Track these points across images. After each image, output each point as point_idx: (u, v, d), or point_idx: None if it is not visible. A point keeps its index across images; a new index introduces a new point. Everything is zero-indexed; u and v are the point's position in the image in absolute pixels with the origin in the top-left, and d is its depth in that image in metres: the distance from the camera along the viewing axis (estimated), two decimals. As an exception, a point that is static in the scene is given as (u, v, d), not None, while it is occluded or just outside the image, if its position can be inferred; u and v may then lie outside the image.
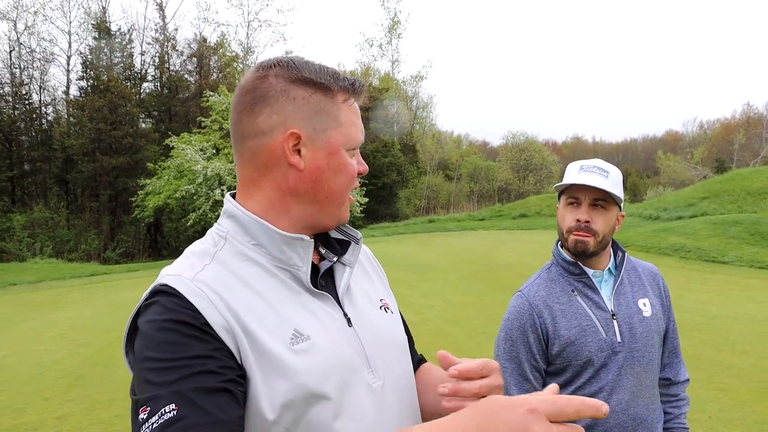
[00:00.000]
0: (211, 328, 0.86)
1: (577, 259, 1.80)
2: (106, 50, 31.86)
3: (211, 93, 23.48)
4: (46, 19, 32.34)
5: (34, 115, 31.38)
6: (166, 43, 34.46)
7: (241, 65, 35.44)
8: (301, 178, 1.00)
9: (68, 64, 32.45)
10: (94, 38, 32.07)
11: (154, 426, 0.77)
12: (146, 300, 0.90)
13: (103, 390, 5.67)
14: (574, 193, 1.77)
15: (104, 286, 13.68)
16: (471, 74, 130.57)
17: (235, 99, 1.04)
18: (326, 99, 1.01)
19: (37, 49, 31.96)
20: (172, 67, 34.79)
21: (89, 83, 31.32)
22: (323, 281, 1.05)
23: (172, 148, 22.52)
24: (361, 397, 0.96)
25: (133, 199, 24.28)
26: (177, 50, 34.93)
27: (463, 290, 10.69)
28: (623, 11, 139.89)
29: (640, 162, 65.98)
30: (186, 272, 0.92)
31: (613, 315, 1.76)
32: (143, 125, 31.90)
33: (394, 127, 42.08)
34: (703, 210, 20.09)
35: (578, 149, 70.95)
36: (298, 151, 0.99)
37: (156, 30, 35.04)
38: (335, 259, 1.09)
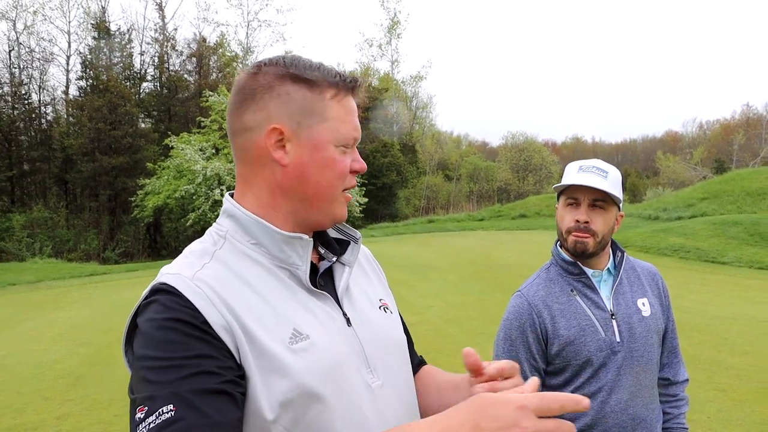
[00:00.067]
0: (210, 327, 0.86)
1: (577, 259, 1.80)
2: (105, 50, 31.85)
3: (211, 93, 23.47)
4: (45, 19, 32.37)
5: (34, 115, 31.38)
6: (165, 43, 34.46)
7: (240, 65, 35.39)
8: (286, 174, 1.00)
9: (67, 63, 32.50)
10: (94, 38, 32.07)
11: (151, 426, 0.77)
12: (146, 299, 0.90)
13: (102, 390, 5.67)
14: (573, 194, 1.77)
15: (103, 286, 13.68)
16: (470, 74, 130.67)
17: (229, 98, 1.06)
18: (312, 94, 1.00)
19: (37, 49, 32.01)
20: (171, 67, 34.79)
21: (88, 83, 31.31)
22: (322, 281, 1.05)
23: (172, 148, 22.52)
24: (360, 397, 0.96)
25: (133, 199, 24.28)
26: (176, 50, 34.96)
27: (463, 290, 10.69)
28: (623, 11, 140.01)
29: (639, 162, 66.00)
30: (185, 271, 0.92)
31: (612, 315, 1.76)
32: (143, 125, 31.91)
33: (394, 127, 42.09)
34: (703, 210, 20.11)
35: (578, 149, 70.96)
36: (283, 147, 1.00)
37: (155, 30, 35.08)
38: (334, 259, 1.09)
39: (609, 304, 1.78)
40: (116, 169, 27.48)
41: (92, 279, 15.43)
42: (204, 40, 35.31)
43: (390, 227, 26.05)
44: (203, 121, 23.33)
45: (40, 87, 31.90)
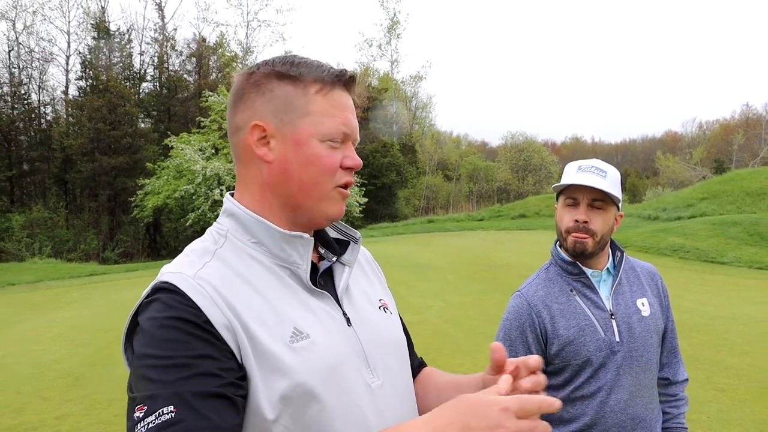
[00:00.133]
0: (212, 326, 0.86)
1: (576, 259, 1.80)
2: (105, 50, 31.84)
3: (210, 93, 23.46)
4: (45, 19, 32.41)
5: (33, 115, 31.36)
6: (165, 43, 34.45)
7: (240, 65, 35.37)
8: (271, 171, 1.00)
9: (67, 63, 32.49)
10: (93, 38, 32.07)
11: (150, 426, 0.76)
12: (147, 297, 0.90)
13: (102, 390, 5.67)
14: (573, 194, 1.77)
15: (103, 286, 13.68)
16: (470, 74, 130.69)
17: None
18: (296, 90, 1.00)
19: (36, 49, 32.01)
20: (171, 67, 34.79)
21: (88, 83, 31.31)
22: (322, 280, 1.05)
23: (171, 148, 22.52)
24: (360, 397, 0.96)
25: (132, 199, 24.27)
26: (176, 50, 34.97)
27: (462, 290, 10.70)
28: (623, 11, 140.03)
29: (639, 162, 66.02)
30: (187, 270, 0.92)
31: (612, 315, 1.76)
32: (142, 125, 31.91)
33: (394, 127, 42.08)
34: (702, 210, 20.12)
35: (577, 150, 70.95)
36: (268, 144, 1.00)
37: (155, 30, 35.08)
38: (334, 258, 1.09)
39: (608, 304, 1.78)
40: (116, 169, 27.48)
41: (92, 279, 15.44)
42: (204, 40, 35.32)
43: (390, 227, 26.07)
44: (203, 121, 23.33)
45: (39, 87, 31.93)
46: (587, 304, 1.77)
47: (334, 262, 1.09)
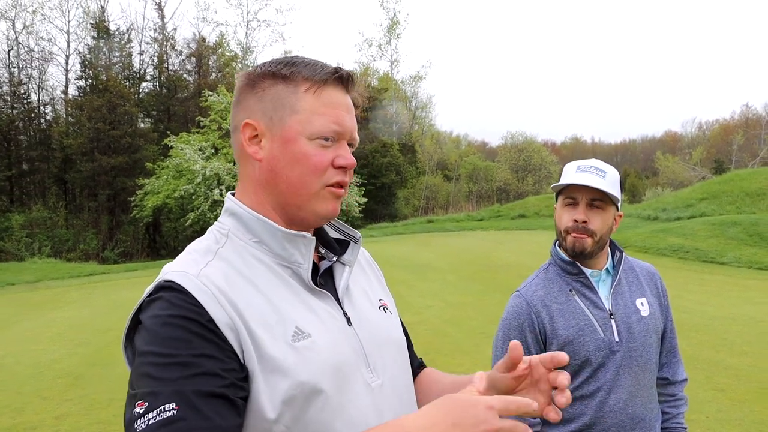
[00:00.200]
0: (215, 325, 0.86)
1: (575, 259, 1.80)
2: (104, 50, 31.82)
3: (210, 93, 23.45)
4: (44, 19, 32.41)
5: (33, 115, 31.35)
6: (164, 43, 34.45)
7: (240, 65, 35.39)
8: (262, 169, 1.01)
9: (67, 63, 32.46)
10: (93, 38, 32.04)
11: (150, 422, 0.76)
12: (150, 295, 0.90)
13: (101, 389, 5.67)
14: (572, 193, 1.77)
15: (103, 286, 13.67)
16: (470, 74, 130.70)
17: None
18: (286, 89, 1.00)
19: (36, 49, 31.97)
20: (170, 67, 34.78)
21: (88, 83, 31.29)
22: (323, 280, 1.05)
23: (171, 147, 22.51)
24: (360, 396, 0.97)
25: (132, 198, 24.26)
26: (176, 50, 34.95)
27: (462, 290, 10.70)
28: (622, 12, 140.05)
29: (638, 162, 66.04)
30: (190, 268, 0.92)
31: (611, 314, 1.76)
32: (142, 125, 31.89)
33: (393, 127, 42.10)
34: (702, 211, 20.13)
35: (577, 150, 70.95)
36: (259, 143, 1.01)
37: (155, 29, 35.07)
38: (335, 258, 1.10)
39: (608, 304, 1.78)
40: (115, 169, 27.47)
41: (91, 279, 15.43)
42: (203, 39, 35.30)
43: (389, 227, 26.07)
44: (202, 121, 23.32)
45: (39, 86, 31.89)
46: (586, 303, 1.77)
47: (334, 262, 1.09)
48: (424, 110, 48.26)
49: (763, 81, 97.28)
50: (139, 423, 0.76)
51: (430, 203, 43.58)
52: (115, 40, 32.58)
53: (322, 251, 1.11)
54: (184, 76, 34.87)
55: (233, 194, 1.07)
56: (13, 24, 30.66)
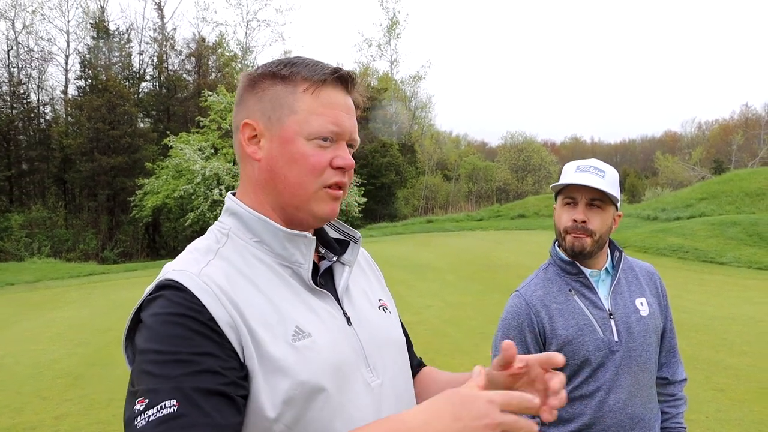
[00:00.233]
0: (216, 324, 0.86)
1: (575, 259, 1.80)
2: (104, 50, 31.81)
3: (210, 93, 23.44)
4: (44, 19, 32.46)
5: (32, 115, 31.33)
6: (164, 43, 34.44)
7: (239, 65, 35.39)
8: (261, 169, 1.02)
9: (66, 63, 32.44)
10: (93, 38, 32.02)
11: (151, 419, 0.76)
12: (151, 294, 0.90)
13: (101, 389, 5.67)
14: (571, 193, 1.78)
15: (102, 286, 13.67)
16: (470, 74, 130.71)
17: None
18: (285, 89, 1.00)
19: (35, 49, 31.94)
20: (170, 67, 34.76)
21: (87, 83, 31.27)
22: (323, 280, 1.05)
23: (171, 147, 22.50)
24: (360, 396, 0.97)
25: (132, 198, 24.26)
26: (175, 50, 34.93)
27: (461, 290, 10.70)
28: (622, 12, 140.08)
29: (638, 162, 66.05)
30: (192, 267, 0.92)
31: (611, 314, 1.76)
32: (141, 125, 31.90)
33: (393, 127, 42.10)
34: (701, 211, 20.14)
35: (577, 150, 70.97)
36: (258, 143, 1.02)
37: (154, 29, 35.04)
38: (335, 258, 1.10)
39: (607, 304, 1.78)
40: (115, 169, 27.46)
41: (91, 279, 15.43)
42: (203, 39, 35.29)
43: (389, 227, 26.08)
44: (202, 121, 23.31)
45: (38, 86, 31.86)
46: (586, 303, 1.77)
47: (334, 262, 1.10)
48: (423, 110, 48.28)
49: (762, 81, 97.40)
50: (139, 420, 0.76)
51: (430, 203, 43.58)
52: (115, 40, 32.57)
53: (322, 251, 1.11)
54: (184, 76, 34.87)
55: (233, 194, 1.07)
56: (13, 24, 30.66)
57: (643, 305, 1.81)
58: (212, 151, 23.06)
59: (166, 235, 29.48)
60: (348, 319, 1.03)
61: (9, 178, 28.18)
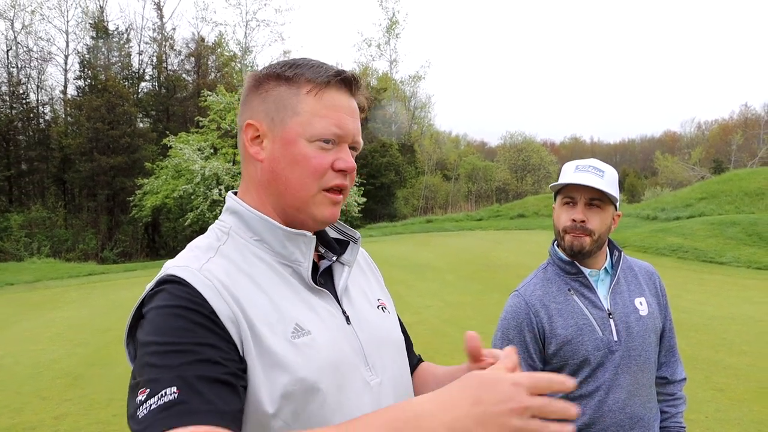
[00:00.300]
0: (217, 317, 0.86)
1: (574, 259, 1.80)
2: (103, 50, 31.81)
3: (209, 93, 23.45)
4: (43, 19, 32.41)
5: (32, 115, 31.32)
6: (163, 43, 34.44)
7: (239, 65, 35.39)
8: (263, 170, 1.02)
9: (66, 63, 32.44)
10: (92, 38, 32.01)
11: (152, 407, 0.75)
12: (152, 289, 0.90)
13: (101, 389, 5.67)
14: (570, 193, 1.78)
15: (102, 286, 13.67)
16: (469, 74, 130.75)
17: None
18: (289, 90, 1.01)
19: (35, 49, 31.95)
20: (169, 67, 34.77)
21: (87, 83, 31.27)
22: (322, 279, 1.06)
23: (170, 147, 22.52)
24: (359, 394, 0.97)
25: (131, 198, 24.27)
26: (175, 50, 34.95)
27: (461, 290, 10.70)
28: (622, 12, 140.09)
29: (638, 162, 66.09)
30: (192, 263, 0.92)
31: (610, 314, 1.76)
32: (141, 125, 31.91)
33: (392, 127, 42.12)
34: (701, 210, 20.15)
35: (576, 150, 71.02)
36: (261, 144, 1.02)
37: (154, 29, 35.05)
38: (334, 258, 1.10)
39: (606, 304, 1.78)
40: (114, 169, 27.46)
41: (90, 279, 15.42)
42: (202, 39, 35.30)
43: (388, 227, 26.08)
44: (201, 121, 23.32)
45: (38, 86, 31.86)
46: (585, 303, 1.77)
47: (334, 262, 1.10)
48: (423, 110, 48.30)
49: (762, 81, 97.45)
50: (141, 410, 0.76)
51: (429, 203, 43.58)
52: (114, 40, 32.56)
53: (322, 251, 1.12)
54: (183, 76, 34.88)
55: (235, 193, 1.08)
56: (12, 24, 30.65)
57: (642, 305, 1.81)
58: (211, 151, 23.07)
59: (166, 235, 29.47)
60: (347, 318, 1.03)
61: (8, 178, 28.18)
